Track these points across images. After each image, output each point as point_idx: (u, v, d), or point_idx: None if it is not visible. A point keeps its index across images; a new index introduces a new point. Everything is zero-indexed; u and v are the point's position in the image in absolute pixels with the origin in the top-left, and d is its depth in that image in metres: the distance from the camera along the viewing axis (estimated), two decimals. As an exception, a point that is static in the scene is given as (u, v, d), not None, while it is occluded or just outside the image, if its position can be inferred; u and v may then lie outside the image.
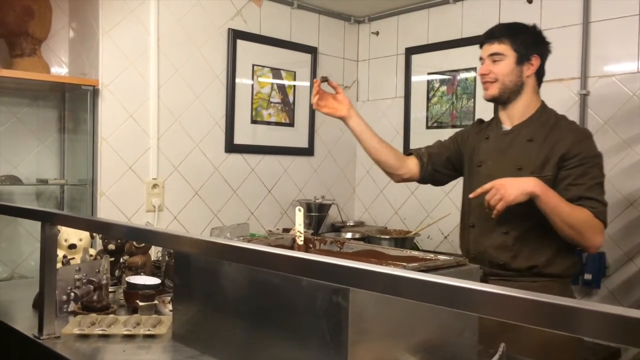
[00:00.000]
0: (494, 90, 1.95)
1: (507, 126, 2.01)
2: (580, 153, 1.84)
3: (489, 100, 2.01)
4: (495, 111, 2.17)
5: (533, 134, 1.92)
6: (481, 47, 2.02)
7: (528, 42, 1.94)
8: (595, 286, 2.84)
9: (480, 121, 2.20)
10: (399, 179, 2.24)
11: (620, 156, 2.80)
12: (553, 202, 1.75)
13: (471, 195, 1.85)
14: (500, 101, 1.99)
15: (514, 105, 1.97)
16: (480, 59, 2.01)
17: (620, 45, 2.81)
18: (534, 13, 3.10)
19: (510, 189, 1.73)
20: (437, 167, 2.18)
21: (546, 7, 3.07)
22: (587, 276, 2.85)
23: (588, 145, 1.88)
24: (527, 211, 1.79)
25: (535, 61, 1.95)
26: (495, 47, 1.94)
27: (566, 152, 1.84)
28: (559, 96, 3.00)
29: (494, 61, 1.94)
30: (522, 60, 1.93)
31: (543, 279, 1.89)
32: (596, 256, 2.82)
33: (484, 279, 1.89)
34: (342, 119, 2.12)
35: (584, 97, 2.91)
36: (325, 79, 2.09)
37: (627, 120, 2.78)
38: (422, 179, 2.21)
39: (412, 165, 2.19)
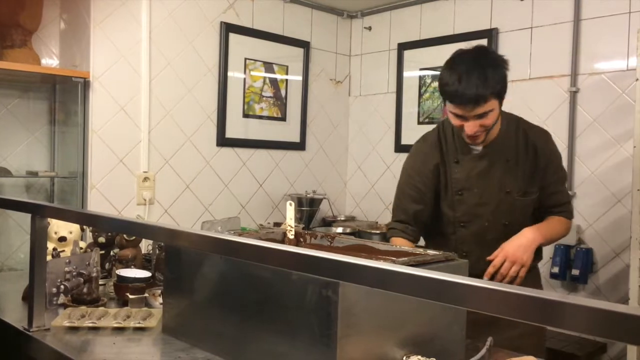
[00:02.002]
0: (483, 137, 1.83)
1: (477, 147, 1.89)
2: (553, 161, 1.94)
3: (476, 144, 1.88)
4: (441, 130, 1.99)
5: (508, 153, 1.89)
6: (451, 102, 1.78)
7: (505, 84, 1.79)
8: (583, 282, 2.87)
9: (425, 140, 2.02)
10: None
11: (609, 153, 2.82)
12: (548, 236, 1.89)
13: (486, 275, 1.79)
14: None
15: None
16: (459, 116, 1.78)
17: (611, 43, 2.83)
18: (525, 10, 3.12)
19: (522, 254, 1.78)
20: (425, 223, 2.01)
21: (537, 4, 3.08)
22: (575, 272, 2.87)
23: (555, 150, 1.96)
24: (517, 229, 1.86)
25: (505, 92, 1.83)
26: (482, 108, 1.74)
27: (544, 165, 1.91)
28: (549, 93, 3.02)
29: (480, 118, 1.76)
30: (501, 101, 1.82)
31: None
32: (584, 252, 2.85)
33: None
34: None
35: (573, 94, 2.94)
36: None
37: (616, 118, 2.80)
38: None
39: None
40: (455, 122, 1.82)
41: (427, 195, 1.96)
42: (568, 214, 1.97)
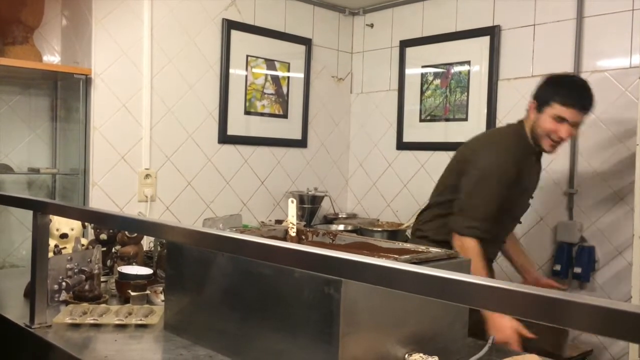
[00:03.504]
0: (560, 148, 2.15)
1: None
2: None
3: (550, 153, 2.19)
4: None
5: (538, 163, 2.30)
6: (564, 105, 2.04)
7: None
8: (585, 280, 2.86)
9: (515, 147, 2.17)
10: None
11: (611, 151, 2.82)
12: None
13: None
14: None
15: None
16: (560, 118, 2.05)
17: (613, 41, 2.82)
18: (528, 7, 3.11)
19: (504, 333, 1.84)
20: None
21: (540, 2, 3.07)
22: (577, 270, 2.87)
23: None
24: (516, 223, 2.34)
25: None
26: (584, 117, 2.08)
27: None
28: (552, 91, 3.01)
29: (574, 127, 2.08)
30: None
31: None
32: (586, 250, 2.84)
33: None
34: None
35: (576, 92, 2.92)
36: None
37: (618, 116, 2.79)
38: None
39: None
40: (551, 125, 2.05)
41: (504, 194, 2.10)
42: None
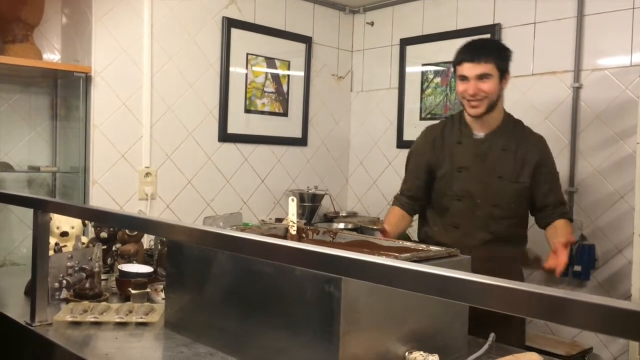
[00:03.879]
0: (482, 108, 2.06)
1: (479, 133, 2.15)
2: (549, 161, 2.18)
3: (475, 117, 2.10)
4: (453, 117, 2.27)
5: (505, 143, 2.13)
6: (458, 64, 2.08)
7: (507, 61, 2.10)
8: (585, 278, 2.87)
9: (433, 130, 2.28)
10: None
11: (612, 150, 2.82)
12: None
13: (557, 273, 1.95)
14: (483, 116, 2.10)
15: (490, 115, 2.11)
16: (462, 77, 2.07)
17: (614, 39, 2.81)
18: (529, 5, 3.11)
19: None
20: (419, 199, 2.28)
21: (541, 0, 3.07)
22: (577, 268, 2.87)
23: (550, 153, 2.20)
24: (511, 216, 2.12)
25: (509, 77, 2.12)
26: (483, 68, 2.03)
27: (538, 161, 2.12)
28: (552, 89, 3.01)
29: (481, 80, 2.03)
30: (502, 77, 2.08)
31: (506, 260, 2.14)
32: (586, 248, 2.85)
33: None
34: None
35: (576, 90, 2.93)
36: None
37: (619, 114, 2.80)
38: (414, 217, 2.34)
39: (406, 219, 2.29)
40: (460, 87, 2.08)
41: (421, 178, 2.24)
42: (570, 214, 2.17)
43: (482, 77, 2.03)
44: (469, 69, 2.04)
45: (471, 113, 2.09)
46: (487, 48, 2.10)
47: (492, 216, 2.10)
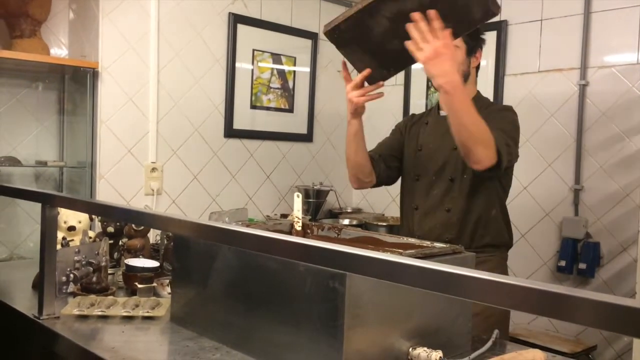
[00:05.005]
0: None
1: (445, 112, 1.94)
2: (502, 113, 1.96)
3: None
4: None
5: None
6: None
7: (476, 36, 1.99)
8: (590, 275, 2.87)
9: (415, 115, 2.24)
10: (361, 185, 2.16)
11: (618, 147, 2.81)
12: (458, 106, 1.68)
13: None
14: None
15: None
16: None
17: (621, 36, 2.80)
18: (536, 2, 3.10)
19: (438, 64, 1.60)
20: (389, 164, 2.14)
21: (548, -3, 3.06)
22: (582, 265, 2.87)
23: (510, 116, 1.95)
24: (468, 191, 1.94)
25: (479, 54, 2.02)
26: None
27: (493, 117, 1.85)
28: (558, 86, 3.01)
29: None
30: (470, 52, 1.98)
31: (485, 254, 1.93)
32: (591, 246, 2.84)
33: None
34: (361, 111, 2.10)
35: (583, 88, 2.92)
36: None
37: (625, 112, 2.79)
38: (378, 182, 2.16)
39: (367, 157, 2.09)
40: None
41: (395, 142, 2.17)
42: (498, 140, 1.74)
43: None
44: None
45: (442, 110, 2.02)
46: None
47: (449, 192, 1.96)
